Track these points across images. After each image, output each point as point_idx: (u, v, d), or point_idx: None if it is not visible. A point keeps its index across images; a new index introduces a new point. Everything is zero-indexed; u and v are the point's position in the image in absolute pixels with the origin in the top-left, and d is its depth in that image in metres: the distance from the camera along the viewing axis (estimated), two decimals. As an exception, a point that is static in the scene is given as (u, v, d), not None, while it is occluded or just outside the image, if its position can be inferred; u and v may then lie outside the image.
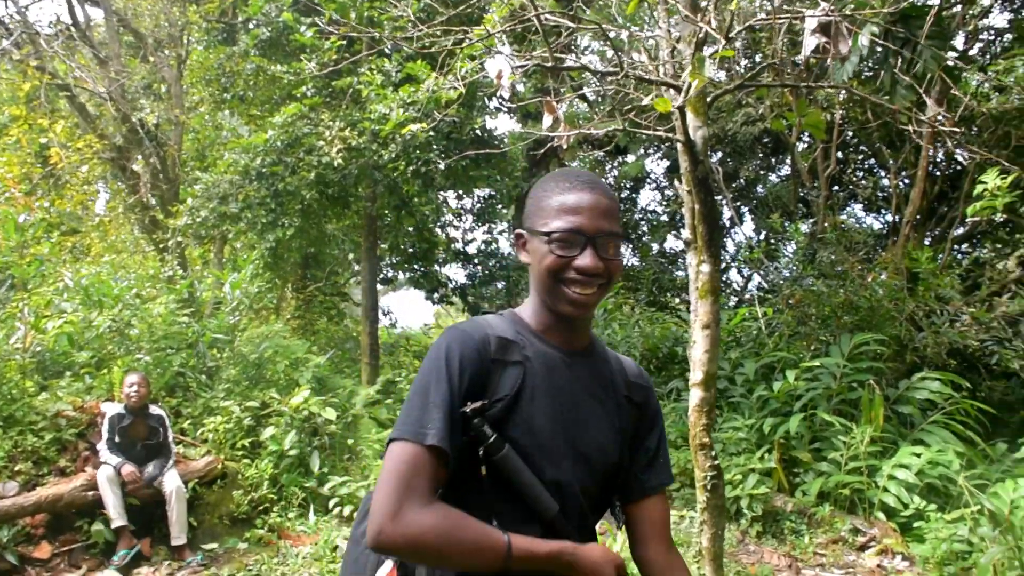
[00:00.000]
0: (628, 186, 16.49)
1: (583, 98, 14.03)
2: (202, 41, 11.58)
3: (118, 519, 5.59)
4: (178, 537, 5.82)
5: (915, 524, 5.58)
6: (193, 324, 8.05)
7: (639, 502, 1.72)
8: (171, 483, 5.87)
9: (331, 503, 6.42)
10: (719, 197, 13.44)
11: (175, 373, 7.54)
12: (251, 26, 10.18)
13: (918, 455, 6.28)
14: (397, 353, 13.28)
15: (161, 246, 10.58)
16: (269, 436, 6.83)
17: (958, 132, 4.42)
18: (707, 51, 3.41)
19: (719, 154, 14.34)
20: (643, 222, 16.86)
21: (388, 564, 1.55)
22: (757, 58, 12.62)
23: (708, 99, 3.67)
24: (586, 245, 1.53)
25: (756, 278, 13.09)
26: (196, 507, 6.23)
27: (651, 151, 15.52)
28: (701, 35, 3.47)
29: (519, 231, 1.66)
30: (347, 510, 6.25)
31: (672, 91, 3.61)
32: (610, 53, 12.83)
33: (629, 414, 1.72)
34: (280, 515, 6.38)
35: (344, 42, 8.12)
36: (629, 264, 16.95)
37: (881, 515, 6.19)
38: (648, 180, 16.35)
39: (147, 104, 11.96)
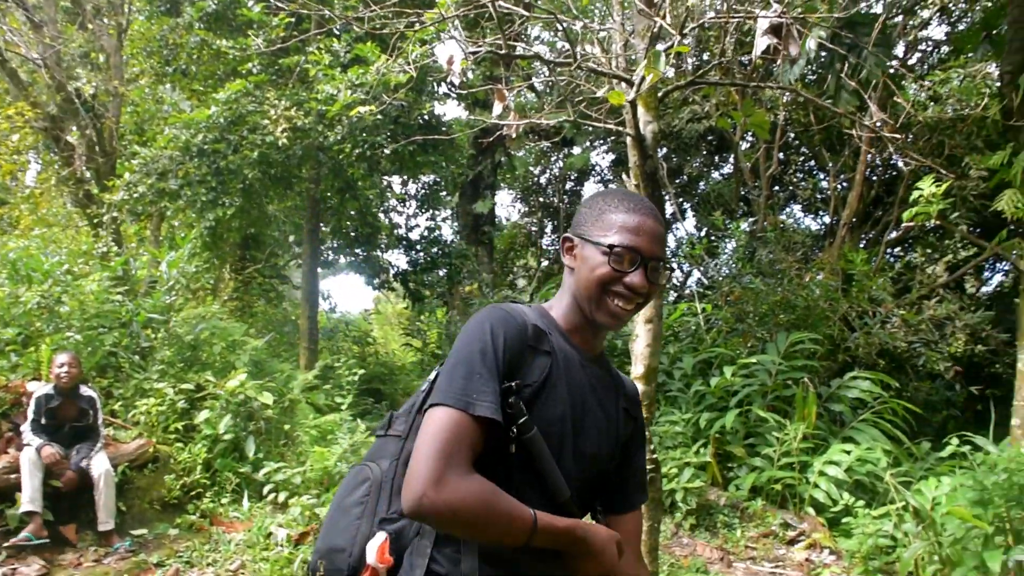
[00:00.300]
0: (573, 178, 16.54)
1: (531, 88, 14.01)
2: (144, 11, 11.21)
3: (28, 504, 5.26)
4: (105, 522, 5.63)
5: (843, 519, 5.72)
6: (127, 303, 7.80)
7: (620, 515, 1.81)
8: (99, 467, 5.67)
9: (265, 489, 6.30)
10: (663, 192, 13.57)
11: (107, 353, 7.29)
12: (196, -2, 9.92)
13: (848, 452, 6.43)
14: (336, 338, 13.11)
15: (95, 221, 10.23)
16: (203, 420, 6.67)
17: (899, 138, 4.51)
18: (661, 46, 3.41)
19: (664, 150, 14.46)
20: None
21: (381, 536, 1.57)
22: (705, 56, 12.75)
23: (659, 94, 3.68)
24: (640, 265, 1.61)
25: (696, 274, 13.26)
26: (126, 492, 6.05)
27: (597, 144, 15.58)
28: (656, 30, 3.47)
29: (569, 236, 1.71)
30: (282, 496, 6.14)
31: (624, 85, 3.60)
32: (561, 44, 12.85)
33: (626, 426, 1.80)
34: (213, 501, 6.24)
35: (293, 19, 7.94)
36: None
37: (811, 510, 6.33)
38: (593, 173, 16.42)
39: (84, 74, 11.53)
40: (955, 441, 5.34)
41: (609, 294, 1.61)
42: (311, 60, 7.92)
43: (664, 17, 3.38)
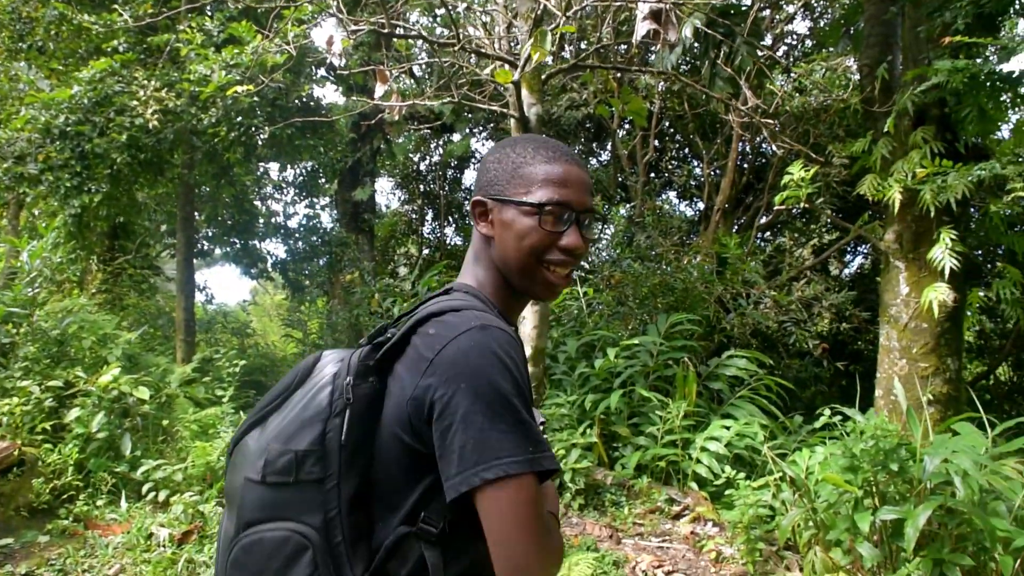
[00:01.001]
0: (453, 165, 16.48)
1: (410, 74, 13.87)
2: (-7, -20, 10.44)
3: None
4: (-38, 532, 5.25)
5: (725, 492, 5.92)
6: (-17, 295, 7.30)
7: None
8: (-46, 472, 5.29)
9: (144, 488, 6.00)
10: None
11: (-40, 351, 6.81)
12: (54, -33, 9.28)
13: (727, 428, 6.66)
14: (214, 330, 12.65)
15: (-57, 209, 9.52)
16: (74, 418, 6.29)
17: (772, 123, 4.69)
18: (555, 27, 3.42)
19: (544, 136, 14.56)
20: (467, 201, 16.90)
21: None
22: (584, 45, 12.93)
23: (543, 77, 3.69)
24: (573, 221, 1.42)
25: (578, 259, 13.45)
26: (-14, 499, 5.66)
27: (477, 131, 15.56)
28: (539, 12, 3.47)
29: (480, 199, 1.48)
30: (162, 495, 5.86)
31: (508, 66, 3.59)
32: (440, 31, 12.75)
33: None
34: (87, 503, 5.89)
35: (161, -5, 7.57)
36: (451, 243, 16.98)
37: (694, 485, 6.52)
38: (474, 159, 16.42)
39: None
40: (827, 413, 5.60)
41: (543, 262, 1.42)
42: (182, 39, 7.56)
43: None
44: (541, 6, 3.41)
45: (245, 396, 8.81)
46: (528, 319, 3.62)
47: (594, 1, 3.65)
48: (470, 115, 13.44)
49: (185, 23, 7.92)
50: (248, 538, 1.31)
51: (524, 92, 3.53)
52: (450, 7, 3.62)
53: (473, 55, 3.88)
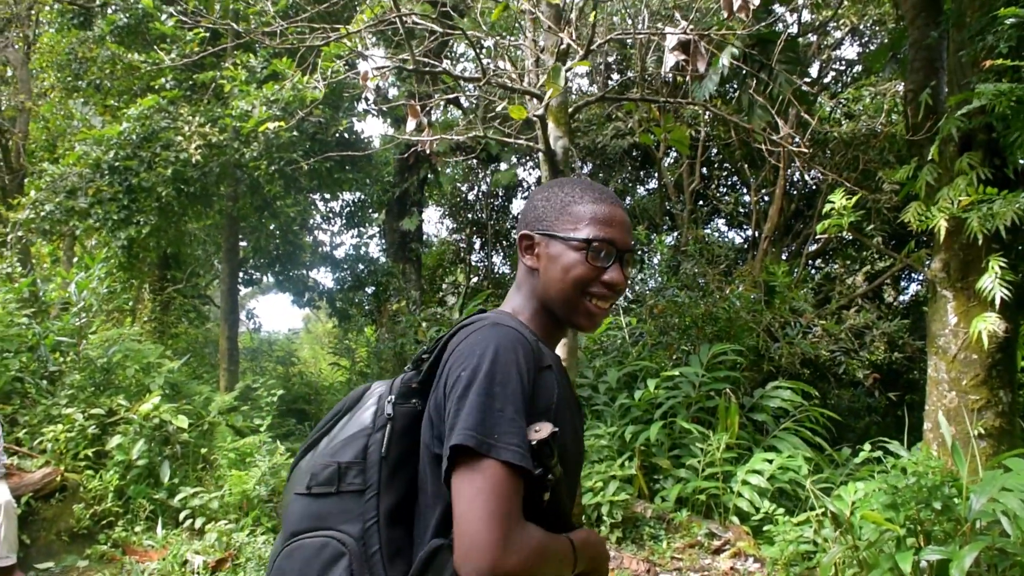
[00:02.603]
0: (501, 194, 16.58)
1: (456, 105, 14.02)
2: (54, 23, 10.86)
3: None
4: (6, 557, 5.33)
5: (765, 527, 5.79)
6: (34, 325, 7.51)
7: None
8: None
9: (182, 515, 6.10)
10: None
11: (12, 378, 7.00)
12: (108, 11, 9.61)
13: (770, 461, 6.53)
14: (260, 359, 12.85)
15: (0, 241, 9.85)
16: (116, 445, 6.43)
17: (806, 152, 4.62)
18: (572, 62, 3.43)
19: (590, 165, 14.60)
20: (514, 230, 16.95)
21: None
22: (630, 74, 12.96)
23: (570, 110, 3.69)
24: (615, 259, 1.51)
25: (622, 288, 13.38)
26: (30, 523, 5.78)
27: (524, 160, 15.67)
28: (563, 47, 3.49)
29: (527, 233, 1.57)
30: (199, 522, 5.95)
31: (535, 100, 3.61)
32: (486, 63, 12.85)
33: None
34: (125, 529, 6.00)
35: (208, 34, 7.79)
36: (499, 271, 17.00)
37: (735, 519, 6.40)
38: (520, 188, 16.50)
39: (-11, 88, 11.15)
40: (867, 447, 5.45)
41: (586, 294, 1.50)
42: (226, 75, 7.77)
43: (571, 34, 3.40)
44: (564, 42, 3.42)
45: (286, 425, 8.92)
46: (559, 351, 3.60)
47: (618, 35, 3.65)
48: (516, 145, 13.52)
49: (230, 60, 8.15)
50: (291, 545, 1.39)
51: (550, 125, 3.54)
52: (476, 41, 3.66)
53: (500, 89, 3.91)
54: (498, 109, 4.67)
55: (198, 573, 5.16)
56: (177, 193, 8.16)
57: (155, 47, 8.35)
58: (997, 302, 5.61)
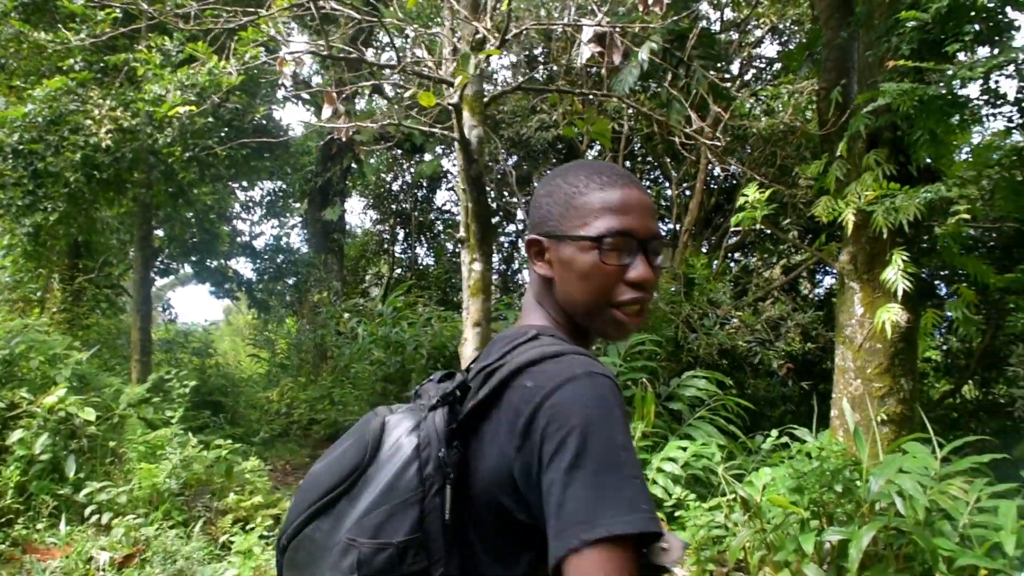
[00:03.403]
0: (425, 185, 16.51)
1: (381, 94, 13.90)
2: (-51, -1, 10.35)
3: None
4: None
5: (678, 513, 5.91)
6: (-75, 316, 7.18)
7: None
8: None
9: (88, 511, 5.89)
10: (515, 199, 13.73)
11: (-98, 371, 6.67)
12: (12, -14, 9.20)
13: (684, 449, 6.67)
14: (175, 350, 12.54)
15: None
16: (17, 440, 6.18)
17: (719, 146, 4.73)
18: (483, 51, 3.44)
19: (515, 158, 14.63)
20: (438, 221, 16.95)
21: None
22: (555, 67, 13.02)
23: (485, 99, 3.70)
24: (638, 252, 1.27)
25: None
26: (-79, 524, 5.53)
27: (448, 151, 15.63)
28: (479, 36, 3.49)
29: (534, 238, 1.34)
30: (105, 517, 5.75)
31: (452, 89, 3.61)
32: (419, 52, 12.75)
33: None
34: (27, 527, 5.76)
35: (120, 14, 7.54)
36: (423, 263, 16.95)
37: (649, 506, 6.51)
38: (445, 179, 16.48)
39: None
40: (775, 434, 5.61)
41: (612, 302, 1.28)
42: (139, 58, 7.54)
43: (486, 24, 3.41)
44: (480, 30, 3.43)
45: (201, 417, 8.72)
46: (470, 340, 3.61)
47: (533, 25, 3.68)
48: (439, 135, 13.46)
49: (144, 43, 7.89)
50: None
51: (465, 114, 3.54)
52: (390, 31, 3.64)
53: (418, 78, 3.90)
54: (413, 96, 4.66)
55: (103, 570, 5.00)
56: (87, 179, 7.86)
57: (63, 26, 8.02)
58: (900, 294, 5.84)
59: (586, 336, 1.37)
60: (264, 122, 9.32)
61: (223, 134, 8.33)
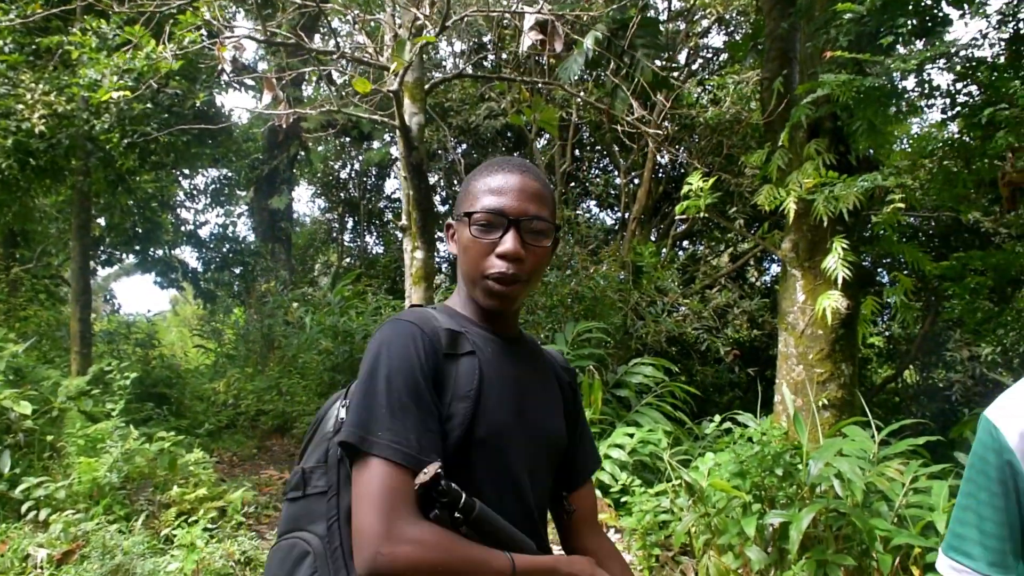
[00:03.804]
0: (373, 173, 16.36)
1: (329, 81, 13.73)
2: None
3: None
4: None
5: (624, 499, 5.97)
6: None
7: (577, 490, 1.68)
8: None
9: (24, 507, 5.73)
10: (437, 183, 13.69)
11: None
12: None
13: (631, 435, 6.72)
14: (118, 342, 12.27)
15: None
16: (-52, 436, 6.00)
17: (661, 135, 4.76)
18: (420, 37, 3.41)
19: (464, 146, 14.58)
20: (387, 210, 16.84)
21: None
22: (504, 55, 12.98)
23: (426, 87, 3.68)
24: (508, 227, 1.43)
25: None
26: None
27: (396, 138, 15.49)
28: (418, 23, 3.46)
29: (449, 222, 1.56)
30: (43, 514, 5.61)
31: (393, 76, 3.58)
32: (360, 38, 12.62)
33: (566, 398, 1.67)
34: (-40, 524, 5.60)
35: (53, -6, 7.30)
36: (372, 252, 16.81)
37: (598, 492, 6.57)
38: (394, 167, 16.35)
39: None
40: (717, 419, 5.69)
41: (485, 273, 1.45)
42: (74, 41, 7.32)
43: (425, 11, 3.38)
44: (420, 17, 3.40)
45: (144, 410, 8.55)
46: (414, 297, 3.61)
47: (473, 12, 3.66)
48: (383, 122, 13.34)
49: (79, 25, 7.66)
50: (273, 547, 1.49)
51: (406, 101, 3.51)
52: (325, 15, 3.59)
53: (360, 64, 3.85)
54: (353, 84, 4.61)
55: (41, 567, 4.88)
56: (20, 165, 7.61)
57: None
58: (840, 281, 5.96)
59: (479, 305, 1.53)
60: (205, 108, 9.13)
61: (162, 120, 8.12)
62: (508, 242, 1.43)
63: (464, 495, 1.28)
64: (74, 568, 4.78)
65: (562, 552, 1.61)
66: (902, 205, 5.58)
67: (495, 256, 1.43)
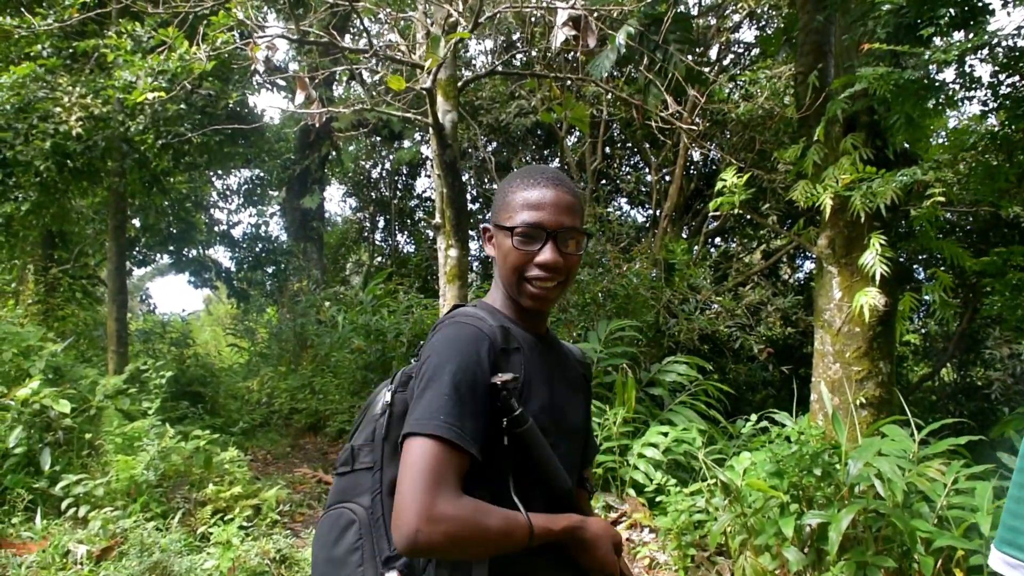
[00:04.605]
0: (404, 172, 16.39)
1: (360, 81, 13.78)
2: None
3: None
4: None
5: (659, 498, 5.92)
6: None
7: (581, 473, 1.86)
8: None
9: (64, 504, 5.81)
10: (494, 185, 13.67)
11: None
12: (-23, -30, 8.99)
13: (665, 434, 6.67)
14: (153, 341, 12.41)
15: None
16: (-10, 434, 6.08)
17: (696, 130, 4.71)
18: (454, 34, 3.39)
19: (494, 144, 14.55)
20: (419, 209, 16.87)
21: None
22: (534, 52, 12.95)
23: (459, 84, 3.65)
24: (547, 240, 1.60)
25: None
26: None
27: (427, 138, 15.50)
28: (451, 20, 3.45)
29: (485, 226, 1.73)
30: (83, 511, 5.68)
31: (426, 73, 3.56)
32: (393, 36, 12.65)
33: (585, 392, 1.88)
34: (1, 521, 5.67)
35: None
36: (403, 250, 16.84)
37: (632, 491, 6.52)
38: (424, 166, 16.39)
39: None
40: (753, 418, 5.62)
41: (525, 278, 1.62)
42: (110, 44, 7.40)
43: (458, 7, 3.36)
44: (453, 14, 3.38)
45: (180, 408, 8.63)
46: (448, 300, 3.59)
47: (506, 8, 3.63)
48: (418, 122, 13.36)
49: (114, 28, 7.75)
50: (323, 517, 1.66)
51: (439, 99, 3.49)
52: (360, 14, 3.58)
53: (393, 63, 3.84)
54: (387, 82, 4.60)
55: (80, 563, 4.93)
56: (58, 168, 7.71)
57: (29, 11, 7.85)
58: (878, 277, 5.86)
59: (517, 303, 1.70)
60: (238, 108, 9.20)
61: (196, 120, 8.20)
62: (547, 252, 1.60)
63: (520, 409, 1.49)
64: (113, 564, 4.83)
65: None
66: (942, 199, 5.47)
67: (535, 264, 1.61)
